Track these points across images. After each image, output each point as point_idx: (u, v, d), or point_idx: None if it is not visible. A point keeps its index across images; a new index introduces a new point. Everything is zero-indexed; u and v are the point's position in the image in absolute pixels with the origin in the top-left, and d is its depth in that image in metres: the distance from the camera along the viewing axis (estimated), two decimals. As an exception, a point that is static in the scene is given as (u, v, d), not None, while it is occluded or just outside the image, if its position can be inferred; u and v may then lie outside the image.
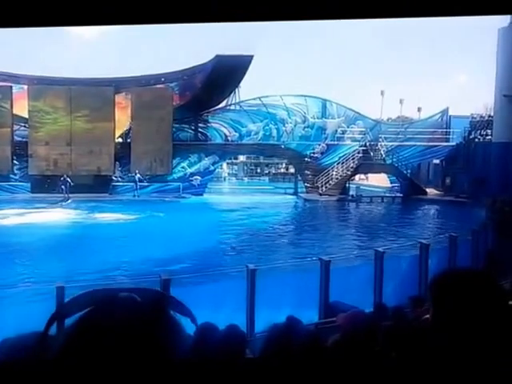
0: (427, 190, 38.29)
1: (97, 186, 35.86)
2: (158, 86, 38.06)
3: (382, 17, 1.20)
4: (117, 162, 37.29)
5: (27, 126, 36.74)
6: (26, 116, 36.53)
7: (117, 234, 22.80)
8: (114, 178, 37.30)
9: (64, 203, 32.81)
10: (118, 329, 1.08)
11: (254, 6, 1.18)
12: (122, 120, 37.63)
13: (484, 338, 1.47)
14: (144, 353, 1.08)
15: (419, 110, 46.80)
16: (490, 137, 33.02)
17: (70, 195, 33.81)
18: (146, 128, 36.48)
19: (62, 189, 33.86)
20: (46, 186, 35.41)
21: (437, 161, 40.13)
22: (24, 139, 36.74)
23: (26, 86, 36.59)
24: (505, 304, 1.56)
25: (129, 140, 38.27)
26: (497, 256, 17.92)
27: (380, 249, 13.74)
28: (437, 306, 1.57)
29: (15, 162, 36.55)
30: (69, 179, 34.11)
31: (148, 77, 38.01)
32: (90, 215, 29.13)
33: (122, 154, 37.27)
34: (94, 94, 35.90)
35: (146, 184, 36.87)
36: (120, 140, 38.18)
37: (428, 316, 1.66)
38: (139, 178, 36.53)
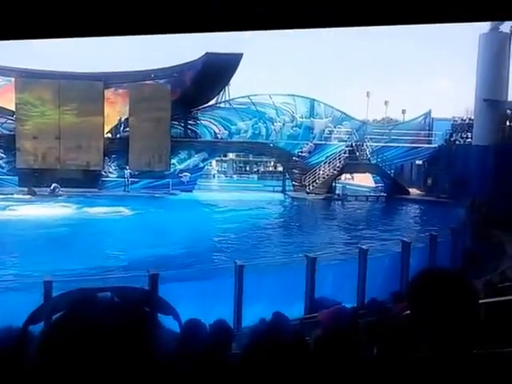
0: (410, 189, 38.61)
1: (86, 180, 35.65)
2: (157, 81, 38.01)
3: (380, 24, 1.20)
4: (106, 157, 37.19)
5: (14, 119, 36.39)
6: (13, 109, 36.20)
7: (105, 230, 22.83)
8: (103, 173, 37.21)
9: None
10: (94, 331, 1.04)
11: (254, 15, 1.16)
12: (112, 115, 37.55)
13: (457, 333, 1.53)
14: (122, 354, 1.05)
15: (403, 112, 47.22)
16: (470, 139, 33.30)
17: (61, 189, 33.83)
18: (144, 124, 36.45)
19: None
20: (34, 179, 35.19)
21: (419, 162, 40.46)
22: (12, 132, 36.42)
23: (13, 79, 36.29)
24: (475, 302, 1.61)
25: (118, 135, 38.19)
26: (475, 254, 18.67)
27: (364, 246, 14.21)
28: (414, 304, 1.62)
29: (2, 155, 36.43)
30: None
31: (137, 73, 37.95)
32: (79, 210, 29.00)
33: (112, 149, 37.27)
34: (83, 89, 35.73)
35: (136, 180, 36.88)
36: (109, 135, 38.03)
37: (408, 312, 1.68)
38: (129, 174, 36.69)
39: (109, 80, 37.35)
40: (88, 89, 36.07)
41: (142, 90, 36.96)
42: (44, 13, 1.15)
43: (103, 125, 37.16)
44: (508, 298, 7.55)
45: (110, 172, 37.55)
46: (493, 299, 7.15)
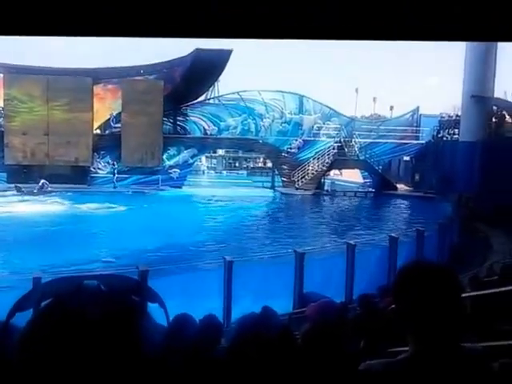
0: (398, 185, 38.92)
1: (75, 177, 35.58)
2: (146, 77, 37.90)
3: (379, 39, 1.21)
4: (95, 153, 37.08)
5: (2, 115, 36.23)
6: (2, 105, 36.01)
7: (94, 226, 22.87)
8: (92, 169, 37.12)
9: None
10: (81, 318, 1.04)
11: (255, 22, 1.16)
12: (101, 111, 37.45)
13: (441, 327, 1.54)
14: (109, 342, 1.05)
15: (391, 108, 47.56)
16: (457, 136, 33.45)
17: (49, 185, 33.62)
18: (136, 120, 36.32)
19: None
20: (23, 176, 35.03)
21: (407, 158, 40.66)
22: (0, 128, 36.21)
23: (1, 75, 36.06)
24: (459, 295, 1.63)
25: (107, 131, 38.12)
26: (461, 248, 18.93)
27: (352, 241, 14.37)
28: (399, 298, 1.63)
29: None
30: None
31: (127, 68, 37.85)
32: (68, 206, 28.94)
33: (101, 145, 37.16)
34: (72, 84, 35.50)
35: (126, 176, 36.82)
36: (98, 131, 37.92)
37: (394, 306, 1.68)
38: (118, 170, 36.62)
39: (98, 75, 37.18)
40: (77, 84, 35.85)
41: (135, 85, 36.86)
42: (43, 10, 1.13)
43: (92, 121, 37.04)
44: (494, 290, 7.71)
45: (99, 168, 37.42)
46: (479, 292, 7.32)
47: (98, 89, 37.38)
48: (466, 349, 1.61)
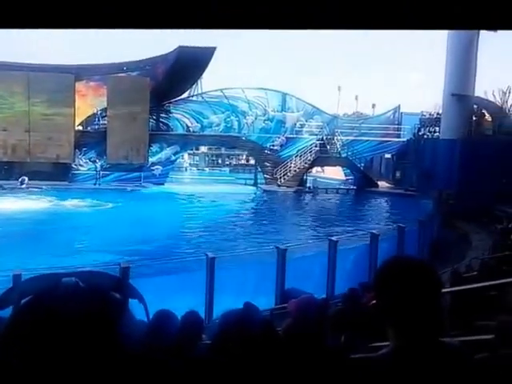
0: (379, 182, 39.10)
1: (56, 173, 35.33)
2: (129, 74, 37.69)
3: (379, 28, 1.19)
4: (77, 150, 36.85)
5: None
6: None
7: (75, 223, 22.66)
8: (73, 166, 36.89)
9: None
10: (60, 314, 1.03)
11: (254, 13, 1.14)
12: (83, 108, 37.16)
13: (421, 322, 1.56)
14: (87, 337, 1.04)
15: (373, 106, 47.79)
16: (437, 134, 33.65)
17: (30, 182, 33.45)
18: (122, 117, 36.21)
19: None
20: (3, 172, 34.75)
21: (388, 155, 40.89)
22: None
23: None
24: (438, 291, 1.64)
25: (90, 128, 37.92)
26: (441, 245, 19.17)
27: (333, 238, 14.42)
28: (380, 293, 1.64)
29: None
30: None
31: (109, 65, 37.57)
32: (48, 203, 28.70)
33: (83, 141, 36.93)
34: (54, 81, 35.24)
35: (107, 173, 36.63)
36: (80, 128, 37.61)
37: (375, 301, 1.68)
38: (100, 167, 36.45)
39: (80, 72, 36.93)
40: (58, 81, 35.58)
41: (121, 82, 36.68)
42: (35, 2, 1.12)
43: (74, 117, 36.79)
44: (473, 286, 7.86)
45: (80, 165, 37.19)
46: (459, 288, 7.48)
47: (79, 86, 37.13)
48: (445, 344, 1.63)
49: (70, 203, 28.54)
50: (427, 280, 1.60)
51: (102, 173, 36.40)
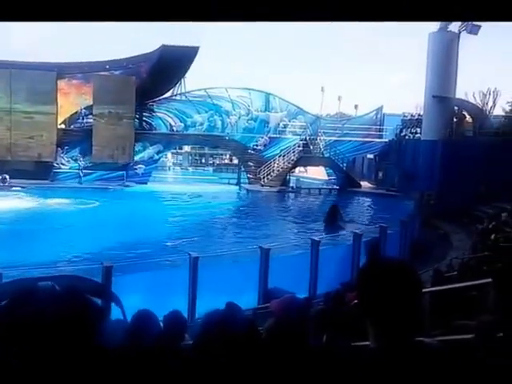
0: (361, 182, 39.26)
1: (38, 172, 35.05)
2: (112, 72, 37.47)
3: (378, 20, 1.20)
4: (59, 149, 36.63)
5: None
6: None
7: (57, 222, 22.44)
8: (55, 164, 36.65)
9: None
10: (36, 319, 1.03)
11: (253, 6, 1.14)
12: (65, 106, 36.96)
13: (401, 322, 1.59)
14: (64, 341, 1.04)
15: (356, 107, 47.98)
16: (419, 134, 33.84)
17: (11, 181, 33.04)
18: (107, 116, 36.12)
19: None
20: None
21: (371, 156, 41.11)
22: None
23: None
24: (418, 291, 1.66)
25: (72, 126, 37.66)
26: (421, 245, 19.32)
27: (316, 238, 14.44)
28: (361, 293, 1.66)
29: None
30: None
31: (92, 64, 37.38)
32: (31, 202, 28.38)
33: (65, 140, 36.68)
34: (36, 79, 34.99)
35: (90, 171, 36.42)
36: (62, 126, 37.36)
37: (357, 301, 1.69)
38: (83, 166, 36.21)
39: (62, 70, 36.66)
40: (41, 79, 35.31)
41: (107, 81, 36.50)
42: None
43: (56, 116, 36.51)
44: (453, 286, 7.97)
45: (62, 164, 36.91)
46: (439, 288, 7.60)
47: (62, 83, 36.86)
48: (424, 343, 1.65)
49: (52, 202, 28.21)
50: (407, 280, 1.62)
51: (84, 171, 36.08)
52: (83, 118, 37.38)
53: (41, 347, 1.03)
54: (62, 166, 36.89)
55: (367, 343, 1.68)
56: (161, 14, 1.19)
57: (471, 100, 33.92)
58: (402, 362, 1.56)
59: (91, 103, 36.96)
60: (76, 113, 37.53)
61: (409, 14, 1.20)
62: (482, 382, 1.72)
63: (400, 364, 1.56)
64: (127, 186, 36.08)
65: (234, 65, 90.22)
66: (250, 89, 39.84)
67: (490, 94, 33.08)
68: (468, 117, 33.45)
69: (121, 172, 36.92)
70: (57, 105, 36.43)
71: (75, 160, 36.58)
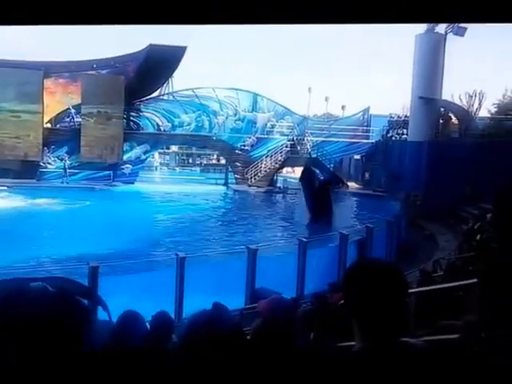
0: (348, 183, 39.29)
1: (24, 171, 34.78)
2: (99, 72, 37.33)
3: (377, 22, 1.19)
4: (45, 148, 36.39)
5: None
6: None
7: (44, 222, 22.37)
8: (41, 164, 36.41)
9: None
10: (28, 318, 1.04)
11: (253, 9, 1.13)
12: (51, 105, 36.76)
13: (387, 322, 1.60)
14: (53, 341, 1.04)
15: (343, 108, 48.07)
16: (405, 136, 34.09)
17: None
18: (96, 115, 35.96)
19: None
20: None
21: (357, 156, 41.18)
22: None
23: None
24: (404, 292, 1.68)
25: (58, 126, 37.49)
26: (408, 246, 19.45)
27: (303, 238, 14.56)
28: (347, 294, 1.67)
29: None
30: None
31: (78, 63, 37.19)
32: (17, 201, 28.21)
33: (51, 139, 36.46)
34: (23, 77, 34.68)
35: (76, 171, 36.24)
36: (49, 125, 37.18)
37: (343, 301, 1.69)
38: (68, 165, 36.01)
39: (49, 69, 36.44)
40: (27, 78, 35.04)
41: (95, 80, 36.33)
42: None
43: (43, 115, 36.29)
44: (439, 286, 8.03)
45: (49, 163, 36.68)
46: (424, 288, 7.66)
47: (48, 82, 36.64)
48: (409, 344, 1.66)
49: (38, 201, 28.04)
50: (393, 281, 1.64)
51: (69, 171, 35.86)
52: (73, 118, 37.11)
53: (30, 347, 1.03)
54: (49, 166, 36.61)
55: (353, 343, 1.69)
56: (159, 17, 1.19)
57: (457, 102, 34.17)
58: (387, 362, 1.56)
59: (78, 102, 36.74)
60: (62, 112, 37.27)
61: (407, 15, 1.20)
62: (467, 382, 1.74)
63: (385, 364, 1.56)
64: (114, 185, 35.89)
65: (221, 65, 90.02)
66: (237, 89, 39.76)
67: (475, 95, 33.35)
68: (454, 118, 33.71)
69: (107, 172, 36.71)
70: (43, 104, 36.14)
71: (61, 159, 36.33)
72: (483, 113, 34.36)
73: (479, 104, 33.13)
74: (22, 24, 1.19)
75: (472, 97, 33.14)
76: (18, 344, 1.03)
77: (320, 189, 24.00)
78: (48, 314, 1.09)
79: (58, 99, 37.10)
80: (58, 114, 37.43)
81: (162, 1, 1.16)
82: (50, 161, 36.71)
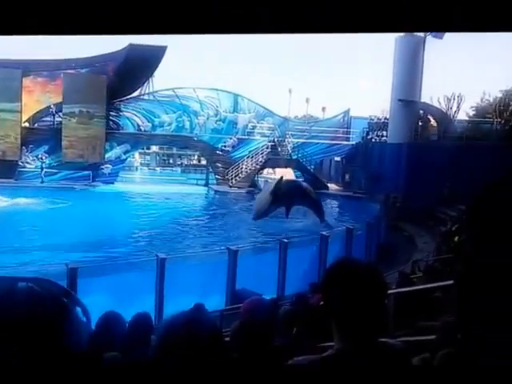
0: (329, 184, 39.45)
1: (1, 171, 34.32)
2: (78, 71, 37.02)
3: (379, 31, 1.18)
4: (23, 147, 35.96)
5: None
6: None
7: (22, 221, 22.15)
8: (20, 163, 35.95)
9: None
10: (16, 317, 1.04)
11: (254, 18, 1.13)
12: (29, 104, 36.39)
13: (366, 323, 1.61)
14: (42, 340, 1.04)
15: (323, 109, 48.26)
16: (385, 138, 34.28)
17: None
18: (77, 114, 35.67)
19: None
20: None
21: (338, 158, 41.23)
22: None
23: None
24: (382, 292, 1.70)
25: (36, 125, 37.14)
26: (387, 247, 19.64)
27: (284, 239, 14.56)
28: (326, 295, 1.68)
29: None
30: None
31: (58, 61, 36.84)
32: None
33: (30, 138, 36.06)
34: (1, 76, 34.29)
35: (55, 171, 35.90)
36: (27, 124, 36.79)
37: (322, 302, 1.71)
38: (46, 165, 35.68)
39: (28, 68, 36.06)
40: (5, 76, 34.63)
41: (77, 79, 36.02)
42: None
43: (21, 113, 35.90)
44: (418, 287, 8.12)
45: (27, 162, 36.27)
46: (403, 289, 7.74)
47: (27, 81, 36.26)
48: (388, 345, 1.68)
49: (16, 201, 27.69)
50: (372, 282, 1.64)
51: (48, 171, 35.50)
52: (53, 117, 36.72)
53: (19, 344, 1.02)
54: (27, 165, 36.20)
55: (332, 344, 1.69)
56: (158, 27, 1.19)
57: (436, 104, 34.52)
58: (366, 362, 1.57)
59: (56, 101, 36.39)
60: (41, 110, 36.87)
61: (407, 24, 1.21)
62: (444, 382, 1.74)
63: (364, 365, 1.57)
64: (93, 185, 35.61)
65: (201, 65, 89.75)
66: (218, 89, 39.68)
67: (454, 98, 33.69)
68: (433, 121, 34.05)
69: (87, 172, 36.42)
70: (21, 102, 35.77)
71: (39, 159, 35.95)
72: (461, 116, 34.75)
73: (457, 107, 33.49)
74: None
75: (450, 100, 33.47)
76: (7, 342, 1.02)
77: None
78: (37, 312, 1.08)
79: (35, 98, 36.72)
80: (36, 113, 37.00)
81: (159, 11, 1.15)
82: (28, 160, 36.27)
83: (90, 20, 1.15)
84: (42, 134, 36.42)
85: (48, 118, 36.91)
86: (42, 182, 35.03)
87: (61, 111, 36.44)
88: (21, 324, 1.04)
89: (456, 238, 14.34)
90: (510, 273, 1.05)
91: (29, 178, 35.76)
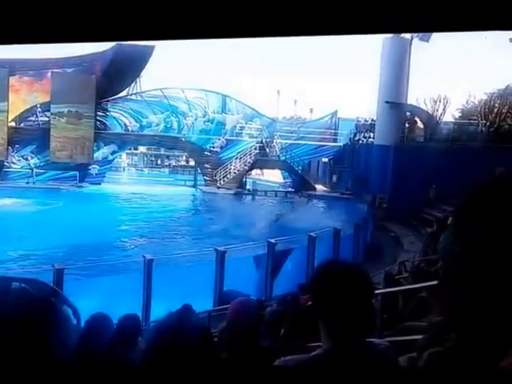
0: (316, 185, 39.68)
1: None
2: (64, 70, 36.85)
3: (375, 33, 1.17)
4: (9, 147, 35.74)
5: None
6: None
7: (7, 222, 21.54)
8: (6, 163, 35.74)
9: None
10: (9, 315, 1.05)
11: (256, 22, 1.12)
12: (16, 103, 36.14)
13: (353, 324, 1.61)
14: (33, 340, 1.04)
15: (311, 111, 48.48)
16: (372, 139, 34.20)
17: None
18: (66, 114, 35.52)
19: None
20: None
21: (325, 159, 41.24)
22: None
23: None
24: (369, 293, 1.70)
25: (22, 124, 36.90)
26: (374, 248, 19.74)
27: (272, 240, 14.55)
28: (314, 295, 1.69)
29: None
30: None
31: (44, 61, 36.47)
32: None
33: (16, 138, 35.81)
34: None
35: (42, 171, 35.68)
36: (13, 124, 36.57)
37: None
38: (33, 165, 35.44)
39: (14, 67, 35.80)
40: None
41: (66, 79, 35.81)
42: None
43: (7, 113, 35.66)
44: (404, 287, 8.19)
45: (13, 162, 35.99)
46: (390, 289, 7.81)
47: (13, 80, 36.02)
48: (375, 344, 1.70)
49: (2, 202, 27.51)
50: (359, 282, 1.66)
51: (35, 171, 35.26)
52: (37, 116, 36.45)
53: (15, 344, 1.02)
54: (13, 165, 35.94)
55: (320, 344, 1.71)
56: (157, 33, 1.19)
57: (422, 106, 34.68)
58: (352, 362, 1.58)
59: (43, 101, 36.15)
60: (27, 110, 36.61)
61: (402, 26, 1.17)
62: (430, 382, 1.74)
63: (350, 364, 1.58)
64: (80, 186, 35.48)
65: (189, 65, 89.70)
66: (206, 90, 39.62)
67: (440, 100, 33.86)
68: (420, 123, 34.22)
69: (74, 172, 36.21)
70: (8, 102, 35.56)
71: (26, 159, 35.68)
72: (448, 118, 34.96)
73: (443, 109, 33.68)
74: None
75: (437, 102, 33.65)
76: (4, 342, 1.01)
77: None
78: (31, 313, 1.09)
79: (22, 97, 36.45)
80: (22, 113, 36.76)
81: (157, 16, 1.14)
82: (14, 160, 36.00)
83: (80, 27, 1.15)
84: (29, 134, 36.21)
85: (34, 118, 36.61)
86: (33, 183, 34.71)
87: (47, 111, 36.16)
88: (13, 323, 1.04)
89: (441, 239, 14.42)
90: (501, 272, 1.07)
91: (14, 178, 35.56)
